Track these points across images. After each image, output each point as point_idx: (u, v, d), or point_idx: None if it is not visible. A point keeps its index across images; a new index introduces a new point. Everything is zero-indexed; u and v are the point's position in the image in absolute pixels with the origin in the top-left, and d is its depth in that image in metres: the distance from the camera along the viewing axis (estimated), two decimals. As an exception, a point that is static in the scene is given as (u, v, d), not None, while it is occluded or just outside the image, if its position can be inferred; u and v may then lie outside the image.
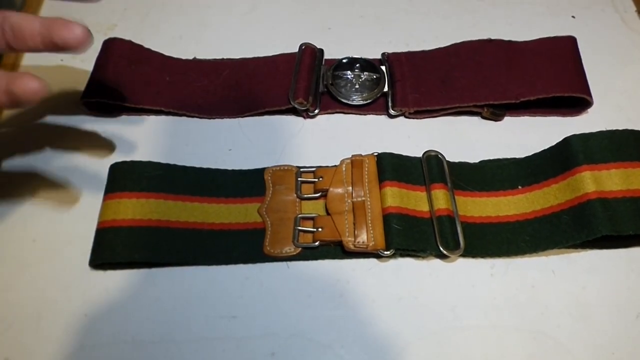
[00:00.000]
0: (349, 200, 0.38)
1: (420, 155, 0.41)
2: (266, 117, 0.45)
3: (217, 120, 0.45)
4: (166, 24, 0.51)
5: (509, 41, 0.46)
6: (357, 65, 0.46)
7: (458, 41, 0.46)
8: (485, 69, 0.44)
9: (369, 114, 0.45)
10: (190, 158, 0.42)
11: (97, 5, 0.52)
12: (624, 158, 0.37)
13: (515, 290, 0.36)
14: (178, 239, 0.37)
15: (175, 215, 0.38)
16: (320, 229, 0.37)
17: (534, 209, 0.38)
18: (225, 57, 0.48)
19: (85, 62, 0.48)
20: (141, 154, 0.42)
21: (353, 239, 0.36)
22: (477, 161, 0.41)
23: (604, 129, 0.39)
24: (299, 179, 0.40)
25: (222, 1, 0.53)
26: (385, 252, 0.36)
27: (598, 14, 0.52)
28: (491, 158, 0.41)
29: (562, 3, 0.53)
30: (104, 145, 0.43)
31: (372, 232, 0.37)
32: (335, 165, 0.40)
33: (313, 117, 0.45)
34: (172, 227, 0.37)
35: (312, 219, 0.38)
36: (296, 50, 0.46)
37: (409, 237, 0.36)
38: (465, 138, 0.44)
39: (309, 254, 0.38)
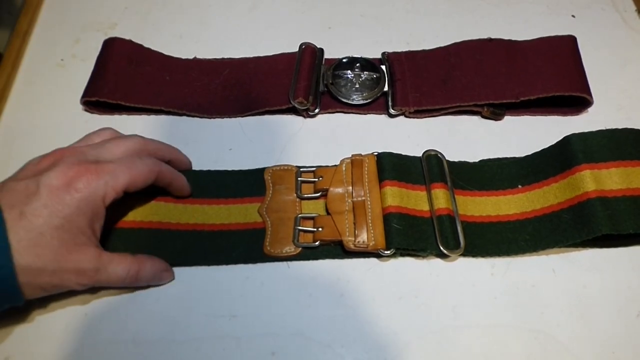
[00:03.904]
0: (349, 200, 0.38)
1: (420, 154, 0.41)
2: (266, 117, 0.45)
3: (217, 119, 0.45)
4: (167, 23, 0.51)
5: (509, 40, 0.46)
6: (357, 64, 0.46)
7: (458, 40, 0.46)
8: (486, 69, 0.44)
9: (369, 113, 0.45)
10: (191, 157, 0.42)
11: (97, 4, 0.53)
12: (623, 157, 0.37)
13: (516, 289, 0.36)
14: (178, 240, 0.37)
15: (175, 217, 0.38)
16: (320, 229, 0.37)
17: (534, 208, 0.38)
18: (225, 57, 0.48)
19: (85, 61, 0.48)
20: (141, 154, 0.42)
21: (353, 239, 0.36)
22: (477, 160, 0.41)
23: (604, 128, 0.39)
24: (299, 178, 0.40)
25: (223, 0, 0.53)
26: (386, 252, 0.36)
27: (598, 13, 0.52)
28: (491, 157, 0.41)
29: (562, 2, 0.52)
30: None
31: (372, 231, 0.37)
32: (335, 165, 0.40)
33: (313, 116, 0.45)
34: (172, 229, 0.37)
35: (312, 218, 0.38)
36: (296, 49, 0.46)
37: (409, 237, 0.36)
38: (466, 137, 0.44)
39: (309, 253, 0.38)
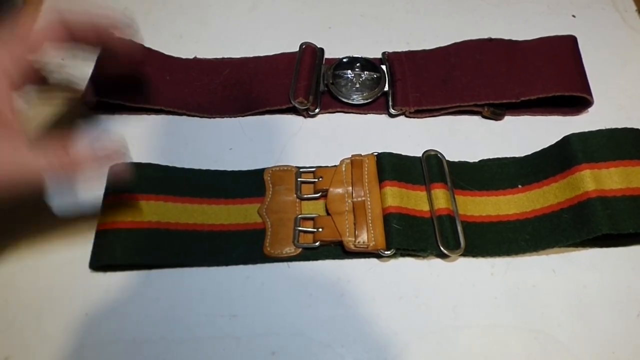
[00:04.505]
0: (349, 200, 0.38)
1: (420, 154, 0.41)
2: (267, 117, 0.45)
3: (217, 119, 0.45)
4: (167, 23, 0.51)
5: (510, 40, 0.46)
6: (358, 64, 0.46)
7: (459, 40, 0.46)
8: (486, 69, 0.44)
9: (369, 113, 0.45)
10: (191, 157, 0.42)
11: (97, 4, 0.52)
12: (623, 156, 0.37)
13: (516, 289, 0.36)
14: (178, 241, 0.37)
15: (175, 217, 0.38)
16: (320, 229, 0.37)
17: (534, 207, 0.38)
18: (225, 56, 0.48)
19: (86, 61, 0.48)
20: (141, 154, 0.42)
21: (353, 239, 0.36)
22: (477, 160, 0.41)
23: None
24: (299, 179, 0.40)
25: (223, 0, 0.53)
26: (386, 252, 0.36)
27: (598, 13, 0.52)
28: (491, 157, 0.41)
29: (562, 2, 0.52)
30: (105, 144, 0.43)
31: (372, 232, 0.37)
32: (335, 165, 0.40)
33: (313, 116, 0.45)
34: (172, 229, 0.37)
35: (312, 219, 0.38)
36: (297, 49, 0.46)
37: (410, 237, 0.36)
38: (466, 137, 0.44)
39: (309, 254, 0.38)
